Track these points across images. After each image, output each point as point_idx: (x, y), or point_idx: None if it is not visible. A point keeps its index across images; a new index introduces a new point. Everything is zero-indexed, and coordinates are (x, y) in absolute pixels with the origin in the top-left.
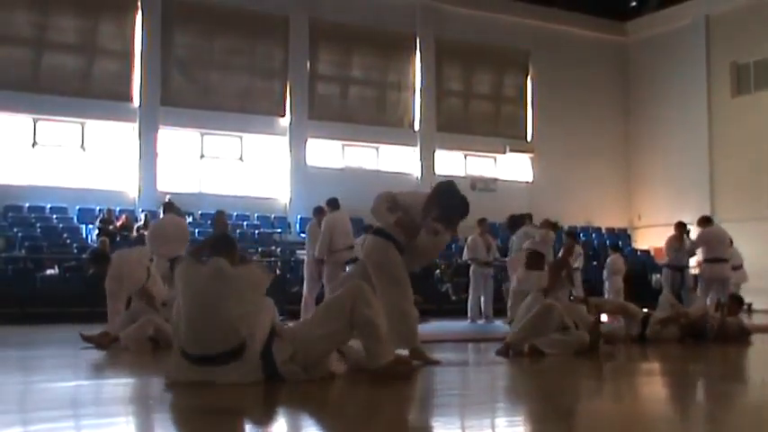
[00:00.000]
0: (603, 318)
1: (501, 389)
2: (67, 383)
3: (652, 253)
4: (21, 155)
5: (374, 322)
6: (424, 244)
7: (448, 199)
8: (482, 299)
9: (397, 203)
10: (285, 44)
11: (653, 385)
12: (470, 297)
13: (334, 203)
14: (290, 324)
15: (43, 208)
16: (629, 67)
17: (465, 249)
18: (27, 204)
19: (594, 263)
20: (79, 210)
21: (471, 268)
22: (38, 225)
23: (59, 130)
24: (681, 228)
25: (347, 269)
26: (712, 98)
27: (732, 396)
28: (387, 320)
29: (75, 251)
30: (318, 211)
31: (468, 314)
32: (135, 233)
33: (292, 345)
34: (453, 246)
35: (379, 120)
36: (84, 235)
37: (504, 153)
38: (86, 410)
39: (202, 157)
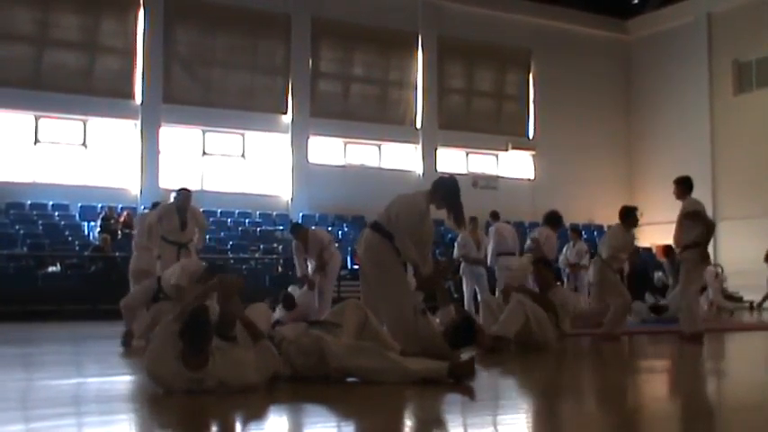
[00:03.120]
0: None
1: (502, 385)
2: (69, 381)
3: (654, 251)
4: (23, 152)
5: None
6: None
7: (445, 191)
8: (479, 296)
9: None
10: (287, 41)
11: (651, 382)
12: (465, 295)
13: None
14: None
15: (45, 205)
16: (631, 64)
17: (455, 247)
18: (29, 202)
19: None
20: (81, 207)
21: (461, 266)
22: (39, 222)
23: (61, 128)
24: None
25: None
26: (714, 96)
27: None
28: (385, 318)
29: (77, 248)
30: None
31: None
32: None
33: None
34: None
35: (380, 117)
36: (85, 232)
37: (506, 150)
38: (88, 408)
39: (204, 154)
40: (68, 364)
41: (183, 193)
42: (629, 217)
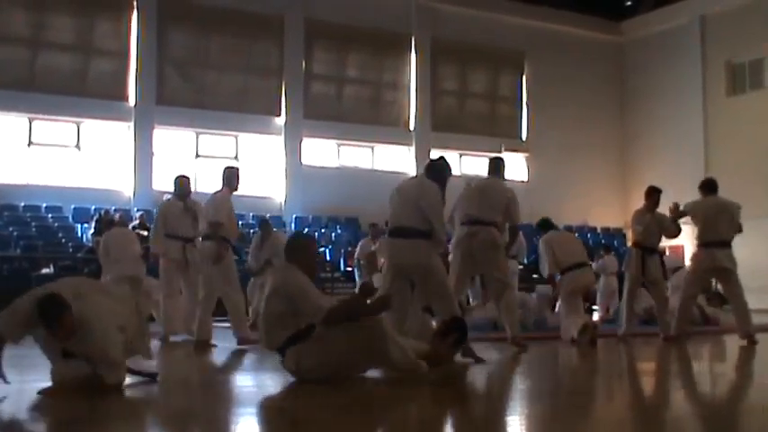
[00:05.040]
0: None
1: (501, 385)
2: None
3: None
4: (16, 154)
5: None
6: None
7: (441, 172)
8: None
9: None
10: (280, 43)
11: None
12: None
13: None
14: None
15: (38, 207)
16: (625, 66)
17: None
18: (22, 203)
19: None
20: (74, 209)
21: None
22: (33, 224)
23: (55, 130)
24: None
25: None
26: (707, 97)
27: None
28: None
29: (71, 250)
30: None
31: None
32: None
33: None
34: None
35: (374, 119)
36: (79, 234)
37: (500, 152)
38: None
39: (198, 156)
40: None
41: (182, 180)
42: (646, 197)
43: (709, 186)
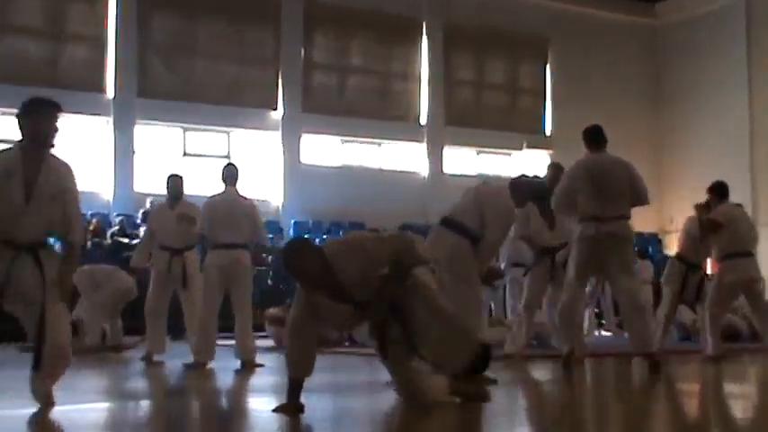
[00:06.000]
0: None
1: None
2: (28, 410)
3: None
4: None
5: None
6: None
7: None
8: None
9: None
10: (277, 29)
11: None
12: None
13: None
14: None
15: None
16: (660, 52)
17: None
18: None
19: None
20: None
21: None
22: None
23: None
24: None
25: None
26: (753, 86)
27: None
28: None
29: None
30: None
31: None
32: (108, 240)
33: None
34: None
35: (381, 113)
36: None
37: (521, 149)
38: None
39: (185, 154)
40: (27, 390)
41: (174, 179)
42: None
43: (723, 191)
